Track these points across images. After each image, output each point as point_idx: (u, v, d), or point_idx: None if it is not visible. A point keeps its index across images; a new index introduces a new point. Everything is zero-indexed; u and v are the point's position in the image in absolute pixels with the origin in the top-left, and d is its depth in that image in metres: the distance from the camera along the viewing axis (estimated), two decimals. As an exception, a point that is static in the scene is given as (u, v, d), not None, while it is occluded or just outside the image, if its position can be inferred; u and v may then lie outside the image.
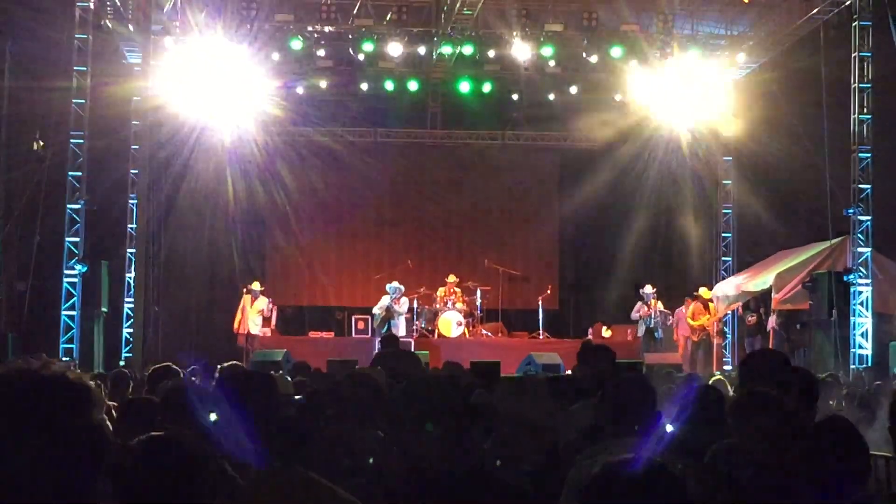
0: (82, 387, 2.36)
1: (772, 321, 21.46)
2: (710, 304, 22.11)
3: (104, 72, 21.30)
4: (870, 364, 19.02)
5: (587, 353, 7.16)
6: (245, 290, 21.74)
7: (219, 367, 10.02)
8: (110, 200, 21.79)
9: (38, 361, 11.72)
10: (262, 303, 21.54)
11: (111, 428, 5.27)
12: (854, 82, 20.07)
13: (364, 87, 23.72)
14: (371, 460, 4.54)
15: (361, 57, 22.47)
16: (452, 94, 24.41)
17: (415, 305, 23.19)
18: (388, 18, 21.43)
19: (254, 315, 21.31)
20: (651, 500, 2.42)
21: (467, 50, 22.02)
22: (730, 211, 24.94)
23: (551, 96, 23.73)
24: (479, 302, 23.41)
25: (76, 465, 2.23)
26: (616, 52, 22.24)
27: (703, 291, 22.04)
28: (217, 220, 24.22)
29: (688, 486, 2.52)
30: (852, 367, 18.85)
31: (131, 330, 21.12)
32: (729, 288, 23.01)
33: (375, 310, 21.91)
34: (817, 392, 5.38)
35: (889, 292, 20.39)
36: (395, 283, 22.40)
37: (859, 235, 20.10)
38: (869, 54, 19.97)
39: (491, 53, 22.40)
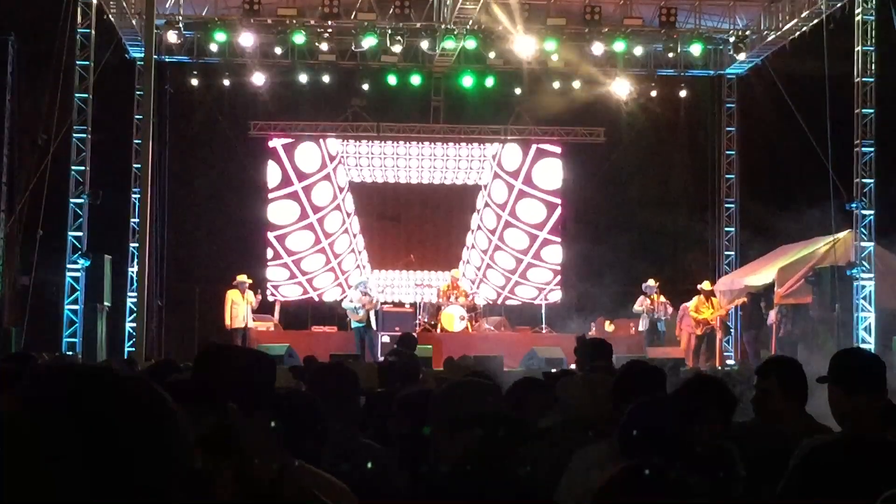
0: (158, 393, 2.01)
1: (772, 316, 21.45)
2: (714, 297, 22.07)
3: (107, 66, 21.33)
4: (872, 358, 18.99)
5: (583, 348, 7.12)
6: (235, 284, 21.22)
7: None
8: (113, 195, 21.80)
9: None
10: (251, 295, 21.20)
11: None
12: (857, 76, 20.06)
13: (366, 81, 23.73)
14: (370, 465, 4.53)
15: (364, 51, 22.50)
16: (455, 89, 24.39)
17: (418, 301, 23.23)
18: (390, 13, 21.42)
19: (248, 309, 21.05)
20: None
21: (470, 44, 22.03)
22: (733, 205, 24.94)
23: (554, 89, 23.73)
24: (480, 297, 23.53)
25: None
26: (619, 46, 22.26)
27: (705, 284, 21.99)
28: (220, 213, 24.23)
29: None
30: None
31: (134, 324, 21.14)
32: (732, 282, 23.01)
33: (349, 304, 21.49)
34: None
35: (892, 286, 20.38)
36: (362, 279, 22.53)
37: (862, 230, 20.10)
38: (872, 48, 19.95)
39: (493, 48, 22.41)
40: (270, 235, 25.01)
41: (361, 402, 5.81)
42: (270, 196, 25.07)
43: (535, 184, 25.66)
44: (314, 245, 25.24)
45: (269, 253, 24.99)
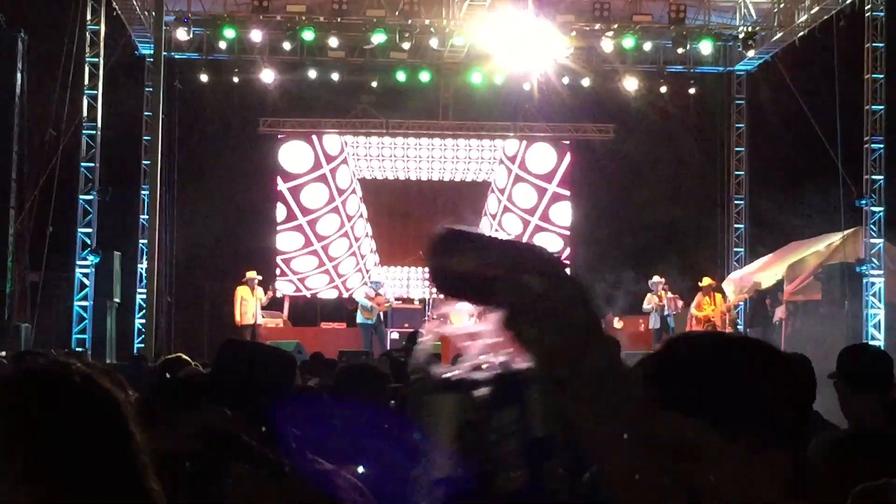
0: (110, 396, 1.96)
1: (779, 312, 21.39)
2: (717, 293, 21.91)
3: (117, 63, 21.37)
4: (882, 355, 18.94)
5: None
6: (245, 280, 21.19)
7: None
8: (122, 191, 21.85)
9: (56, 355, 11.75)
10: (260, 292, 21.16)
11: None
12: (867, 73, 20.00)
13: (375, 77, 23.72)
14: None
15: (373, 47, 22.49)
16: (464, 85, 24.38)
17: (427, 297, 23.33)
18: (399, 9, 21.41)
19: (258, 305, 20.99)
20: None
21: (479, 41, 21.98)
22: (742, 202, 24.90)
23: (564, 85, 23.71)
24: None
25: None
26: (628, 42, 22.24)
27: (705, 281, 21.84)
28: (230, 210, 24.26)
29: None
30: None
31: (143, 320, 21.18)
32: (741, 279, 22.95)
33: (364, 300, 21.48)
34: None
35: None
36: (378, 279, 22.60)
37: (872, 226, 20.04)
38: (882, 45, 19.89)
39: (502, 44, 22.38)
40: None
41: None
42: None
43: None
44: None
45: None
